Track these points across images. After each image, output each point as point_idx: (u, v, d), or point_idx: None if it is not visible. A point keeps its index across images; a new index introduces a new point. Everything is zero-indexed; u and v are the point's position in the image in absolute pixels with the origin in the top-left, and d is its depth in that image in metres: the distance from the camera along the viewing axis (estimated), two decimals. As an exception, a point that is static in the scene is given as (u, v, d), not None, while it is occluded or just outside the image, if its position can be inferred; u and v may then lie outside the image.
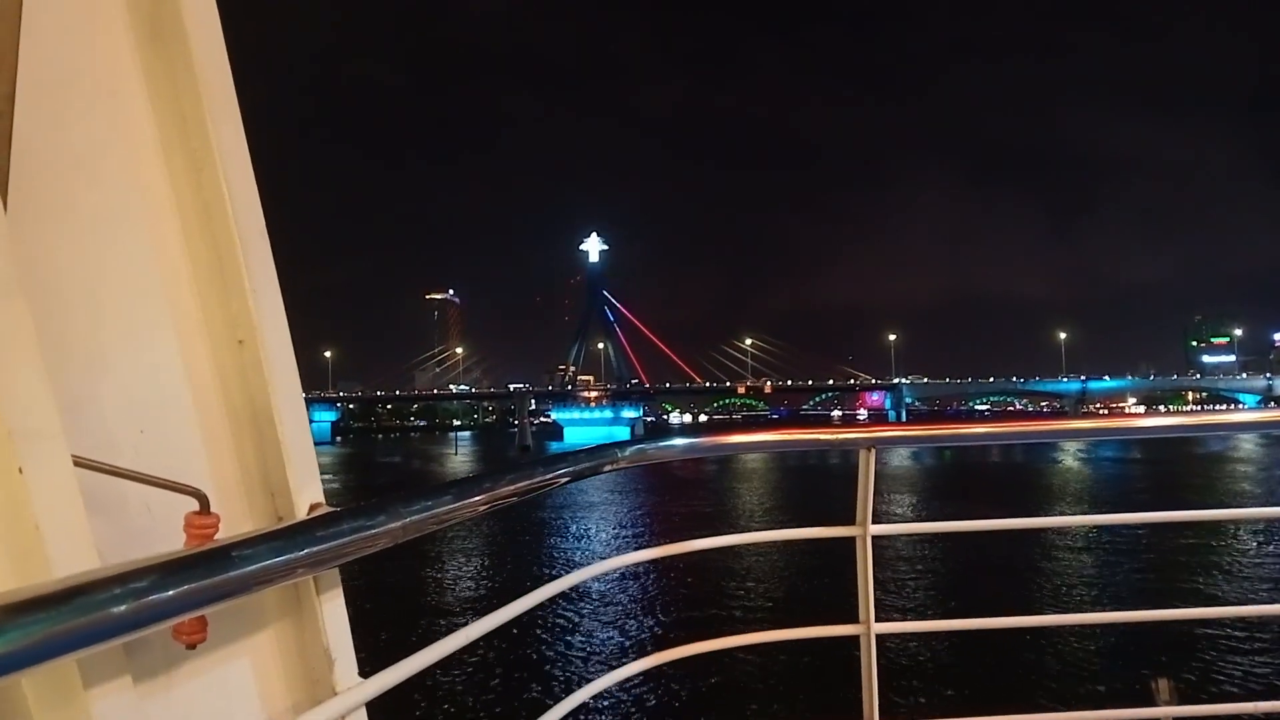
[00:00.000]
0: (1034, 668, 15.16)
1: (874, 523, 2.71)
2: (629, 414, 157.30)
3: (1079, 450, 71.68)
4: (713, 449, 2.91)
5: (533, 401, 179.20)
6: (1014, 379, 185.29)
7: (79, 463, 1.27)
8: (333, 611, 1.62)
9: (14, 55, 1.40)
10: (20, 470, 1.17)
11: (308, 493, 1.66)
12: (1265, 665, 15.10)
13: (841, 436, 2.78)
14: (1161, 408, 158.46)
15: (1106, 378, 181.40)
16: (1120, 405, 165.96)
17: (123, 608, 0.99)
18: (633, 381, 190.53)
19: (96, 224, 1.59)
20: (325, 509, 1.64)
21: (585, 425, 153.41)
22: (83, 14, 1.61)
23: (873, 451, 2.68)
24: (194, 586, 1.10)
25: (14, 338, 1.21)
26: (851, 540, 2.72)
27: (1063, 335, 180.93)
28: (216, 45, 1.67)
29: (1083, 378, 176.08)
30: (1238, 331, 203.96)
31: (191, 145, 1.66)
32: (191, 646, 1.43)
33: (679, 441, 2.64)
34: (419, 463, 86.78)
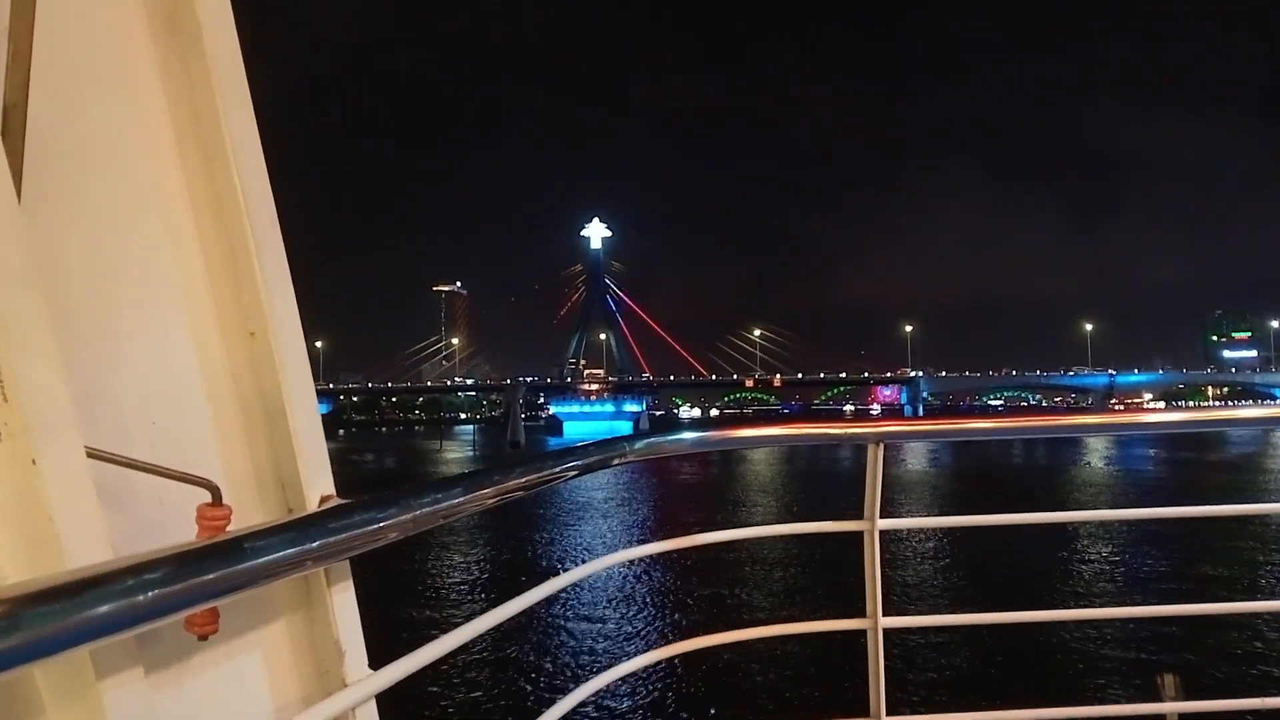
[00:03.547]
0: (1041, 662, 15.16)
1: (882, 517, 2.71)
2: (632, 408, 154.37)
3: (1106, 448, 70.42)
4: (721, 443, 2.91)
5: (540, 395, 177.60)
6: (1038, 373, 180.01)
7: (92, 454, 1.28)
8: (343, 603, 1.63)
9: (29, 46, 1.40)
10: (34, 461, 1.17)
11: (319, 485, 1.66)
12: (1273, 660, 15.09)
13: (849, 431, 2.78)
14: (1182, 403, 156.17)
15: (1135, 371, 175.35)
16: (1138, 401, 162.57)
17: (135, 599, 0.99)
18: (644, 375, 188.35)
19: (110, 215, 1.59)
20: (336, 501, 1.64)
21: (586, 420, 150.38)
22: (97, 4, 1.61)
23: (881, 446, 2.68)
24: (206, 578, 1.10)
25: (28, 329, 1.21)
26: (860, 535, 2.73)
27: (1089, 327, 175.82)
28: (230, 37, 1.68)
29: (1111, 371, 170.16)
30: (1275, 324, 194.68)
31: (204, 137, 1.66)
32: (203, 638, 1.44)
33: (688, 435, 2.64)
34: (399, 462, 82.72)
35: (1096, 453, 68.43)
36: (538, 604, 2.03)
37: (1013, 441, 64.01)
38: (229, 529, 1.42)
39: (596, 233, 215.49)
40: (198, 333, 1.66)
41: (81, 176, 1.56)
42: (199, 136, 1.67)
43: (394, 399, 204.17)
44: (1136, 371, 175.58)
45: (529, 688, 15.10)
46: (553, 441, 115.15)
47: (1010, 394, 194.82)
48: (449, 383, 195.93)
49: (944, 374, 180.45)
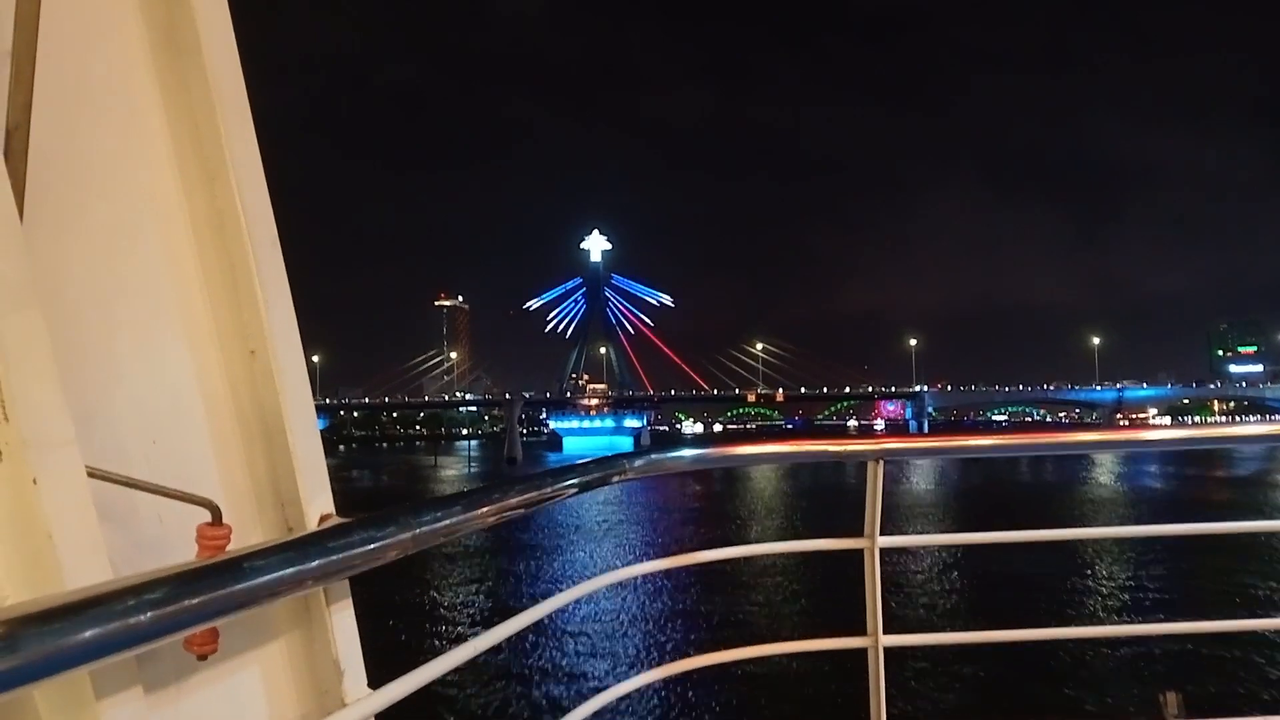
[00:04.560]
0: (1044, 680, 15.09)
1: (882, 534, 2.70)
2: (633, 423, 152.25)
3: (1114, 464, 69.44)
4: (721, 460, 2.91)
5: (543, 411, 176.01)
6: (1045, 386, 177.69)
7: (92, 473, 1.28)
8: (342, 623, 1.63)
9: (31, 66, 1.41)
10: (34, 481, 1.17)
11: (318, 503, 1.66)
12: (1275, 678, 15.01)
13: (849, 448, 2.78)
14: (1187, 418, 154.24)
15: (1144, 385, 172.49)
16: (1142, 416, 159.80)
17: (135, 619, 0.99)
18: (645, 390, 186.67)
19: (111, 234, 1.60)
20: (335, 520, 1.64)
21: (585, 435, 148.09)
22: (99, 25, 1.62)
23: (880, 463, 2.68)
24: (205, 598, 1.10)
25: (29, 348, 1.21)
26: (860, 552, 2.72)
27: (1096, 341, 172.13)
28: (230, 56, 1.69)
29: (1119, 386, 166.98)
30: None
31: (205, 155, 1.67)
32: (202, 657, 1.43)
33: (687, 452, 2.64)
34: (390, 481, 79.96)
35: (1104, 469, 67.58)
36: (536, 623, 2.03)
37: (1019, 458, 63.59)
38: (229, 548, 1.41)
39: (596, 245, 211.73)
40: (198, 351, 1.67)
41: (83, 195, 1.57)
42: (200, 155, 1.67)
43: (394, 414, 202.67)
44: (1145, 386, 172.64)
45: (527, 708, 15.03)
46: (552, 458, 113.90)
47: (1014, 409, 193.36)
48: (446, 398, 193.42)
49: (949, 388, 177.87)
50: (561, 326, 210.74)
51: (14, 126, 1.38)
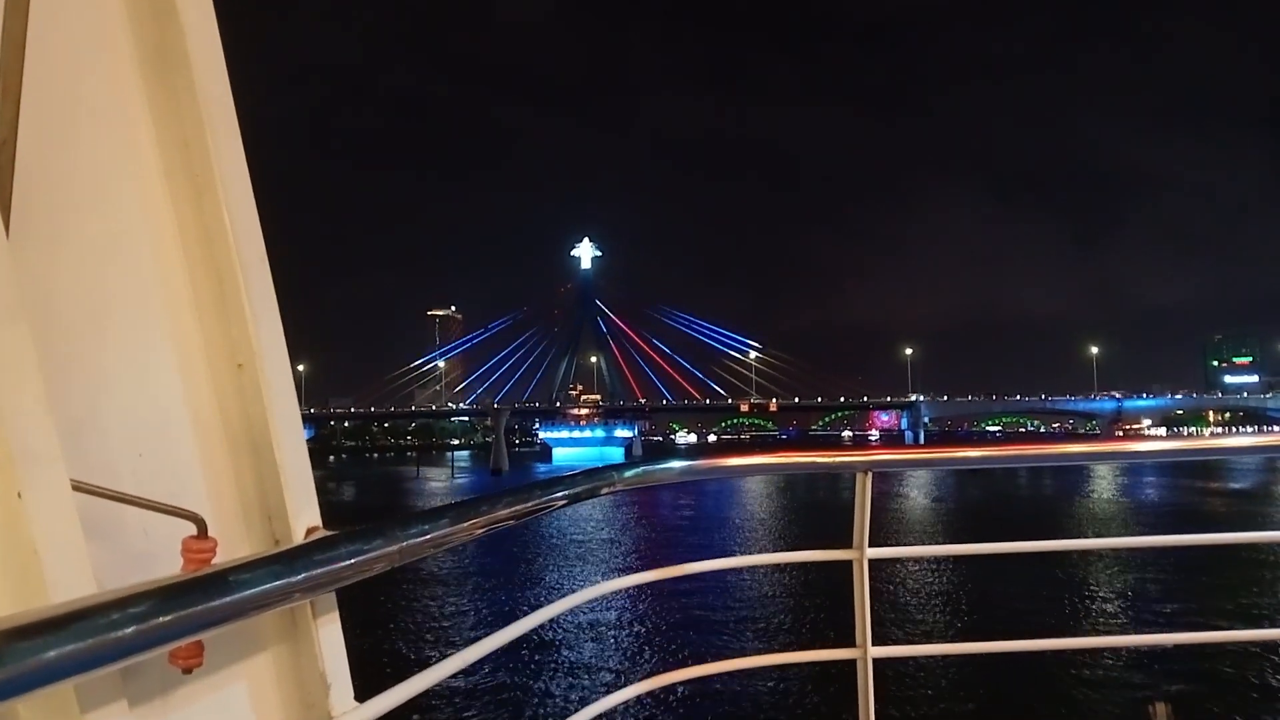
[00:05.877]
0: (1033, 691, 15.09)
1: (871, 546, 2.72)
2: (623, 433, 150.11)
3: (1115, 475, 68.45)
4: (710, 472, 2.92)
5: (535, 421, 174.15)
6: (1042, 397, 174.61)
7: (78, 487, 1.28)
8: (329, 635, 1.62)
9: (19, 80, 1.41)
10: (19, 495, 1.17)
11: (305, 516, 1.66)
12: (1264, 688, 15.04)
13: (838, 460, 2.79)
14: (1181, 429, 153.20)
15: (1144, 396, 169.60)
16: (1137, 426, 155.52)
17: (120, 633, 1.00)
18: (641, 401, 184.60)
19: (98, 248, 1.60)
20: (322, 533, 1.64)
21: (575, 446, 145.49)
22: (87, 40, 1.63)
23: (869, 475, 2.70)
24: (191, 611, 1.10)
25: (15, 362, 1.22)
26: (848, 564, 2.73)
27: (1094, 350, 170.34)
28: (219, 71, 1.69)
29: (1117, 396, 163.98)
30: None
31: (193, 170, 1.67)
32: (188, 671, 1.43)
33: (676, 464, 2.65)
34: (372, 496, 75.78)
35: (1103, 481, 66.71)
36: (524, 635, 2.03)
37: (1017, 470, 63.10)
38: (215, 561, 1.42)
39: (586, 253, 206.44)
40: (185, 365, 1.67)
41: (70, 210, 1.57)
42: (188, 169, 1.68)
43: (385, 424, 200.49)
44: (1145, 396, 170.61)
45: None
46: (541, 469, 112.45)
47: (1008, 420, 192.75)
48: (434, 407, 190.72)
49: (946, 398, 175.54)
50: (557, 333, 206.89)
51: (0, 142, 1.39)
